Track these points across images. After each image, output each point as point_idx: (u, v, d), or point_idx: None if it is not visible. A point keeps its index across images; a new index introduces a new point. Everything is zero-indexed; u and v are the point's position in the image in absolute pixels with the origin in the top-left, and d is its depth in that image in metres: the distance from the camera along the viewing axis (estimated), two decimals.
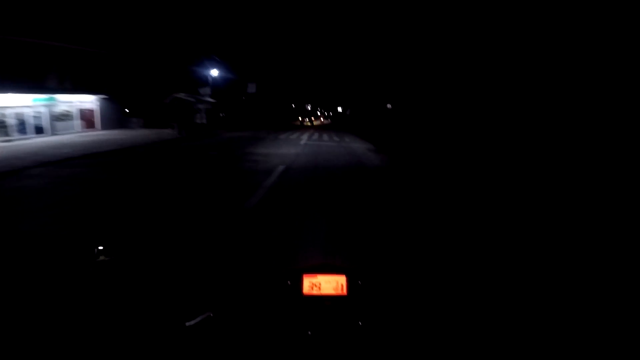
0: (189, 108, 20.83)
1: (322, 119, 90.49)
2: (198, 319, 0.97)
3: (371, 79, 35.50)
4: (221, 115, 39.76)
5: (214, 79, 26.77)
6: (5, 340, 0.96)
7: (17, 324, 1.02)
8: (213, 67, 24.24)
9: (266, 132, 26.66)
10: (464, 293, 1.18)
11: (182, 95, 20.73)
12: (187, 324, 0.96)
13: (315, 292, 1.06)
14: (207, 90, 23.48)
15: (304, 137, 21.82)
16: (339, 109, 71.37)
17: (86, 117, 24.98)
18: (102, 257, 1.21)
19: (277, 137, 21.68)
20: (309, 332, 0.95)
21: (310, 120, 72.88)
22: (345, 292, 1.06)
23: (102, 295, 1.12)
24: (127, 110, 27.74)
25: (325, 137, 23.29)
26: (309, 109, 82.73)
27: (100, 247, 1.23)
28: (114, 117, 26.94)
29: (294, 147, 15.53)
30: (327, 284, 1.07)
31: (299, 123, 60.44)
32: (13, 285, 1.25)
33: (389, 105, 31.51)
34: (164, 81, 24.67)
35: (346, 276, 1.08)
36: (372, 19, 33.55)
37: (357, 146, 16.91)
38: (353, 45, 45.17)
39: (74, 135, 21.56)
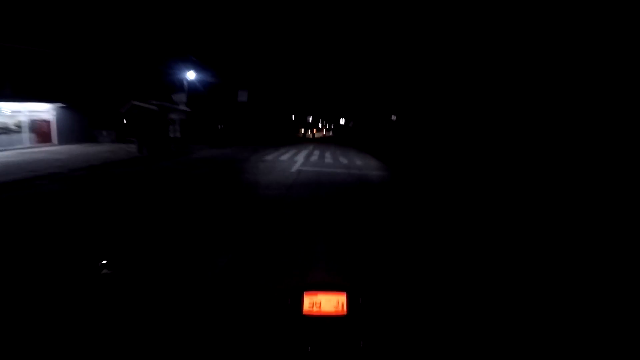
0: (155, 118, 16.15)
1: (324, 131, 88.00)
2: (197, 332, 0.95)
3: (374, 90, 33.70)
4: (220, 127, 35.62)
5: (195, 85, 22.27)
6: (15, 345, 1.03)
7: (26, 330, 1.12)
8: (190, 70, 19.70)
9: (254, 149, 22.03)
10: (465, 312, 1.23)
11: (150, 102, 16.06)
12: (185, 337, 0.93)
13: (315, 310, 1.03)
14: (182, 97, 18.92)
15: (299, 159, 17.01)
16: (342, 121, 67.68)
17: (40, 130, 20.36)
18: (105, 271, 1.21)
19: (262, 158, 16.83)
20: (309, 349, 0.92)
21: (312, 133, 72.48)
22: (345, 310, 1.04)
23: (105, 305, 1.11)
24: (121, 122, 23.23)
25: (328, 156, 18.55)
26: (310, 121, 79.07)
27: (104, 262, 1.23)
28: (75, 129, 22.32)
29: (279, 180, 10.27)
30: (327, 302, 1.04)
31: (301, 135, 62.00)
32: (25, 295, 1.40)
33: (393, 117, 29.51)
34: (134, 87, 20.27)
35: (347, 294, 1.06)
36: (374, 28, 31.04)
37: (375, 175, 12.07)
38: (355, 56, 41.96)
39: (15, 152, 16.95)
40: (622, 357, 1.09)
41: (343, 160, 17.02)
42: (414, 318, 1.07)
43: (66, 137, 21.41)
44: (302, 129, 70.91)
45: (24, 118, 19.02)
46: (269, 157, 16.98)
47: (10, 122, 18.40)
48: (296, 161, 15.81)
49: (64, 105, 20.65)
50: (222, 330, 0.99)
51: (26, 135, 19.39)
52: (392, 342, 0.96)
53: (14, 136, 18.72)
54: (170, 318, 1.07)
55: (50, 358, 0.95)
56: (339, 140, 45.44)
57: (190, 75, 19.54)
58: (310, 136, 66.36)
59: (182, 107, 18.72)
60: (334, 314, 1.02)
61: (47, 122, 20.74)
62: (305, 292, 1.05)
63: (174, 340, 0.95)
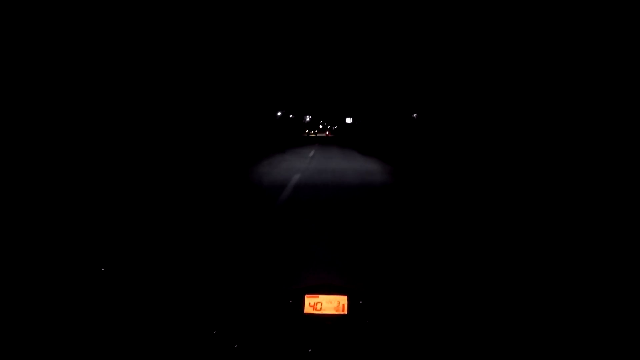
0: None
1: (327, 132, 78.76)
2: (198, 333, 0.95)
3: (386, 84, 28.36)
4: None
5: None
6: (15, 344, 0.94)
7: (24, 328, 0.99)
8: None
9: None
10: (466, 315, 1.15)
11: None
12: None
13: (316, 311, 1.01)
14: None
15: None
16: (348, 120, 55.84)
17: None
18: (108, 267, 1.20)
19: None
20: (309, 350, 0.91)
21: (315, 132, 70.87)
22: (346, 311, 1.01)
23: (110, 301, 1.08)
24: None
25: None
26: (308, 120, 68.09)
27: (107, 257, 1.31)
28: None
29: None
30: (328, 304, 1.02)
31: (305, 135, 60.09)
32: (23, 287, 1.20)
33: (414, 115, 24.51)
34: None
35: (348, 296, 1.03)
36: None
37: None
38: (359, 45, 31.16)
39: None
40: (622, 357, 1.01)
41: None
42: (415, 320, 1.04)
43: None
44: (307, 129, 68.41)
45: None
46: None
47: None
48: None
49: None
50: (224, 331, 0.97)
51: None
52: (391, 342, 0.94)
53: None
54: (172, 317, 1.03)
55: (52, 355, 0.90)
56: (350, 142, 31.93)
57: None
58: (313, 135, 63.53)
59: None
60: (334, 315, 1.00)
61: None
62: (306, 295, 1.02)
63: (176, 339, 0.93)
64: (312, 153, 16.73)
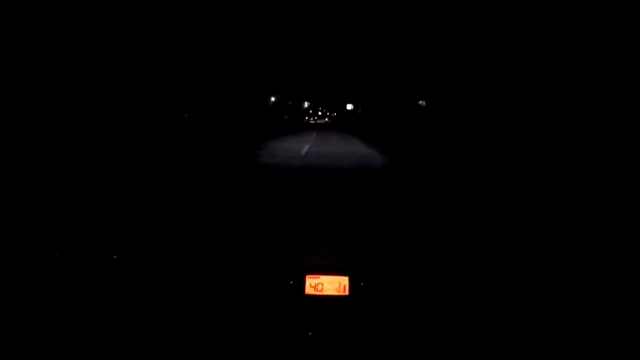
0: None
1: (326, 119, 76.00)
2: (198, 315, 0.96)
3: (393, 68, 24.94)
4: (185, 116, 20.28)
5: None
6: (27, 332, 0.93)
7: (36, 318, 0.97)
8: None
9: None
10: (468, 296, 1.14)
11: None
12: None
13: (317, 292, 1.00)
14: None
15: None
16: (349, 107, 52.18)
17: None
18: (119, 256, 1.19)
19: None
20: (310, 333, 0.91)
21: (314, 119, 71.40)
22: (347, 292, 1.00)
23: (118, 289, 1.07)
24: None
25: None
26: (306, 106, 64.72)
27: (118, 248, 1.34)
28: None
29: None
30: (329, 285, 1.01)
31: (305, 121, 59.45)
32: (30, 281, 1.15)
33: (422, 102, 22.71)
34: None
35: (349, 277, 1.02)
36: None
37: None
38: (361, 27, 26.93)
39: None
40: (622, 357, 0.99)
41: None
42: (416, 300, 1.03)
43: None
44: (305, 116, 68.14)
45: None
46: None
47: None
48: None
49: None
50: (224, 314, 0.97)
51: None
52: (393, 323, 0.94)
53: None
54: (174, 300, 1.03)
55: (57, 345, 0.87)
56: (344, 129, 28.75)
57: None
58: (312, 122, 64.69)
59: None
60: (336, 295, 0.98)
61: None
62: (307, 275, 1.00)
63: (177, 321, 0.93)
64: (305, 150, 13.30)
